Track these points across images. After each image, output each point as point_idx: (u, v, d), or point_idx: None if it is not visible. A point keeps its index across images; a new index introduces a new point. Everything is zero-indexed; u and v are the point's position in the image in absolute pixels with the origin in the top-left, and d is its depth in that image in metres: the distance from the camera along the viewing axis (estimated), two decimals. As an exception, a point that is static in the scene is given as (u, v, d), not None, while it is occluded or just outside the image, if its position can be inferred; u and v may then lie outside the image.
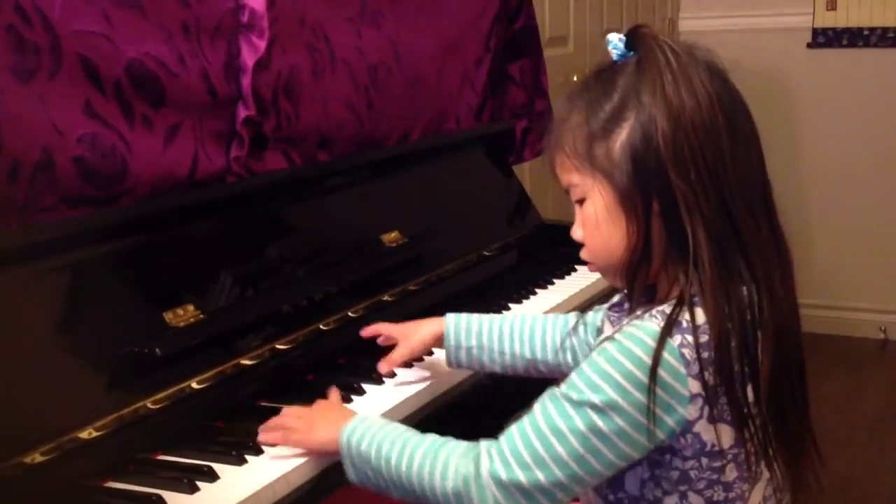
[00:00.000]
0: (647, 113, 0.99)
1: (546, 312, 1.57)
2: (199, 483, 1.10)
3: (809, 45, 3.68)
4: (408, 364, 1.42)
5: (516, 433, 1.01)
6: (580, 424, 0.97)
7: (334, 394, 1.30)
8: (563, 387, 1.00)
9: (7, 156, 1.19)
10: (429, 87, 1.98)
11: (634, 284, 1.05)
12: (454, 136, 2.08)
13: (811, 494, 1.08)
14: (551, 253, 1.99)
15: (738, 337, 0.98)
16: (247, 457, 1.16)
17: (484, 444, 1.04)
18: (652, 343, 0.97)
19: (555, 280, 1.88)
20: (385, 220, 1.73)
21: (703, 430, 0.99)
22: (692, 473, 1.01)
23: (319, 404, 1.24)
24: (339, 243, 1.64)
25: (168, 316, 1.28)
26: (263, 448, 1.18)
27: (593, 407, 0.97)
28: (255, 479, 1.12)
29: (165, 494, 1.07)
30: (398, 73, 1.87)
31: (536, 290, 1.83)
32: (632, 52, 1.04)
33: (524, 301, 1.77)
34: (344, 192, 1.71)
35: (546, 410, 1.00)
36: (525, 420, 1.02)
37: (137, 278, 1.31)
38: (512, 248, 1.99)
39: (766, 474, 1.05)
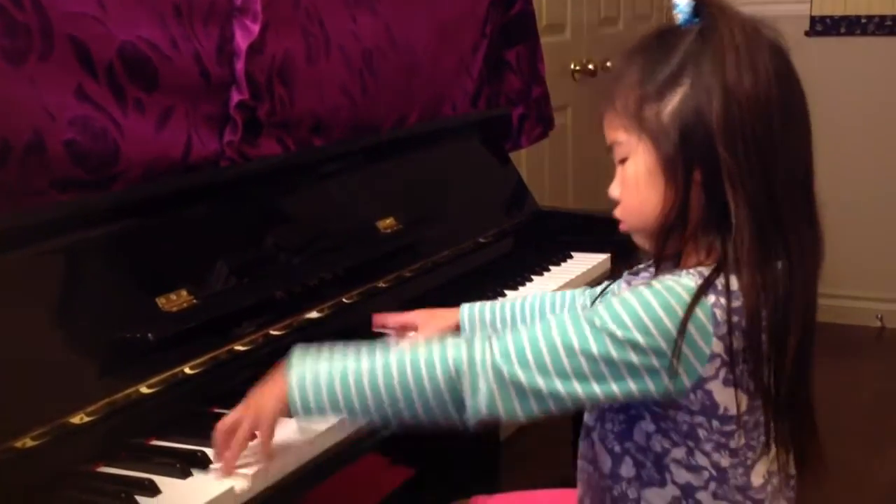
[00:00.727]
0: (703, 83, 0.99)
1: (535, 295, 1.56)
2: (192, 468, 1.09)
3: (807, 33, 3.67)
4: None
5: (525, 336, 1.00)
6: (593, 347, 0.97)
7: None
8: (587, 312, 1.01)
9: (-2, 138, 1.18)
10: (424, 72, 1.97)
11: (665, 249, 1.06)
12: (450, 122, 2.07)
13: (817, 474, 1.09)
14: (547, 240, 1.99)
15: (770, 310, 0.99)
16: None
17: (480, 336, 1.02)
18: (687, 297, 0.97)
19: (551, 266, 1.88)
20: (380, 206, 1.72)
21: (717, 390, 1.00)
22: (700, 432, 1.02)
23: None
24: (334, 229, 1.63)
25: (161, 301, 1.28)
26: (256, 433, 1.17)
27: (612, 336, 0.97)
28: (247, 463, 1.11)
29: (158, 479, 1.06)
30: (393, 58, 1.86)
31: (532, 276, 1.82)
32: (697, 19, 1.03)
33: (520, 287, 1.77)
34: (338, 177, 1.70)
35: (562, 325, 0.99)
36: (537, 327, 1.01)
37: (130, 263, 1.30)
38: (508, 234, 1.98)
39: (773, 450, 1.06)
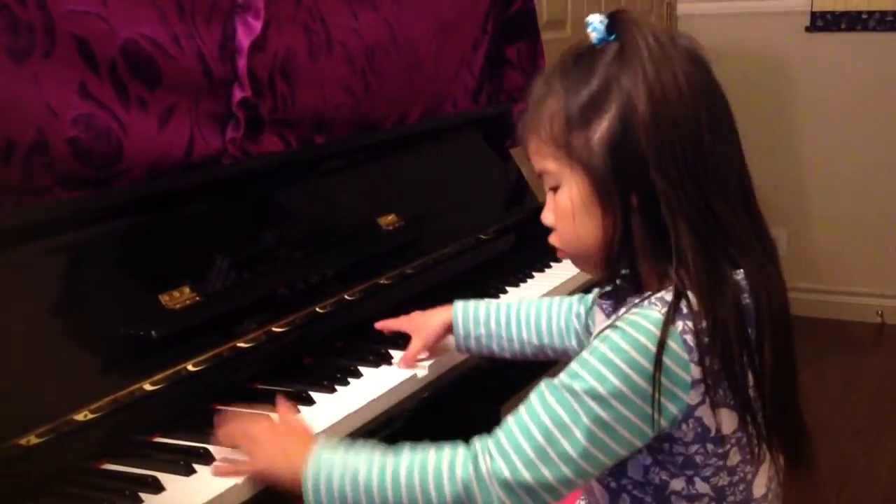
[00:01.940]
0: (628, 105, 0.97)
1: (543, 296, 1.57)
2: (195, 465, 1.10)
3: (808, 29, 3.67)
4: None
5: (516, 429, 0.97)
6: (584, 418, 0.94)
7: (284, 408, 1.17)
8: (564, 377, 0.97)
9: (1, 137, 1.18)
10: (426, 69, 1.97)
11: (615, 275, 1.04)
12: (451, 119, 2.07)
13: (810, 477, 1.07)
14: (548, 236, 1.98)
15: (735, 323, 0.97)
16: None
17: (479, 444, 0.99)
18: (655, 330, 0.95)
19: (551, 263, 1.88)
20: (382, 203, 1.72)
21: (705, 414, 0.98)
22: (697, 459, 1.00)
23: (280, 427, 1.13)
24: (336, 226, 1.63)
25: (164, 298, 1.28)
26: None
27: (597, 397, 0.94)
28: (251, 461, 1.12)
29: (161, 476, 1.07)
30: (395, 56, 1.86)
31: (533, 273, 1.82)
32: (613, 37, 1.00)
33: (521, 284, 1.77)
34: (340, 174, 1.70)
35: (547, 404, 0.96)
36: (524, 413, 0.98)
37: (133, 260, 1.30)
38: (509, 231, 1.98)
39: (769, 456, 1.05)
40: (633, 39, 0.98)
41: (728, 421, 0.99)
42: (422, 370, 1.37)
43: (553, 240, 1.07)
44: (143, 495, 1.04)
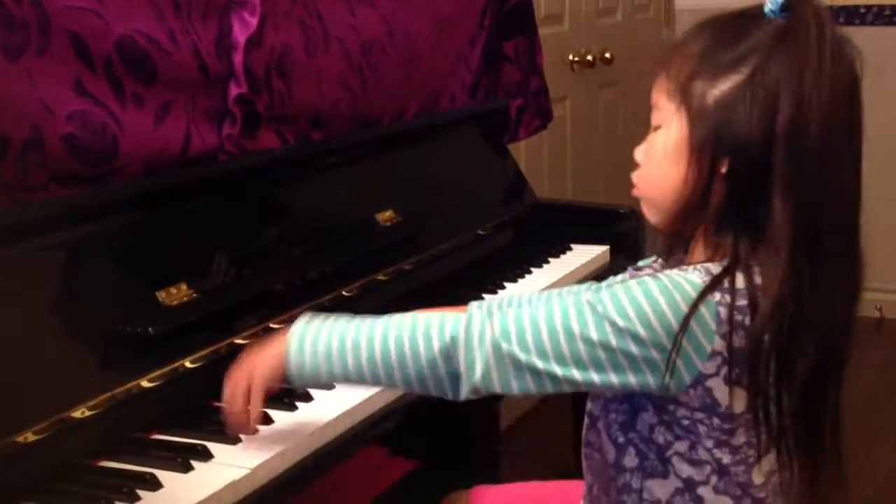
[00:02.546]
0: (767, 81, 0.96)
1: (542, 291, 1.56)
2: (193, 462, 1.10)
3: (806, 24, 3.66)
4: None
5: (526, 317, 1.00)
6: (593, 334, 0.97)
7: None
8: (591, 294, 1.00)
9: (-4, 133, 1.18)
10: (423, 65, 1.96)
11: (679, 231, 1.05)
12: (449, 115, 2.07)
13: (828, 489, 1.06)
14: (547, 232, 1.98)
15: (777, 327, 0.97)
16: (241, 435, 1.15)
17: (475, 307, 1.03)
18: (693, 293, 0.96)
19: (550, 259, 1.88)
20: (379, 199, 1.72)
21: (716, 387, 0.99)
22: (701, 429, 1.01)
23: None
24: (334, 222, 1.63)
25: (161, 295, 1.28)
26: (258, 427, 1.17)
27: (613, 324, 0.96)
28: (249, 457, 1.12)
29: (159, 473, 1.07)
30: (392, 51, 1.86)
31: (532, 268, 1.82)
32: (785, 13, 0.99)
33: (519, 280, 1.77)
34: (338, 170, 1.70)
35: (565, 308, 0.99)
36: (540, 308, 1.00)
37: (129, 257, 1.30)
38: (507, 227, 1.98)
39: (774, 451, 1.05)
40: (805, 25, 0.97)
41: (738, 401, 1.00)
42: None
43: (634, 176, 1.08)
44: (140, 492, 1.04)
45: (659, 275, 0.99)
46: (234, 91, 1.51)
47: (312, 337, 1.06)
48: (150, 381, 1.20)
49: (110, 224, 1.29)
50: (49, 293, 1.19)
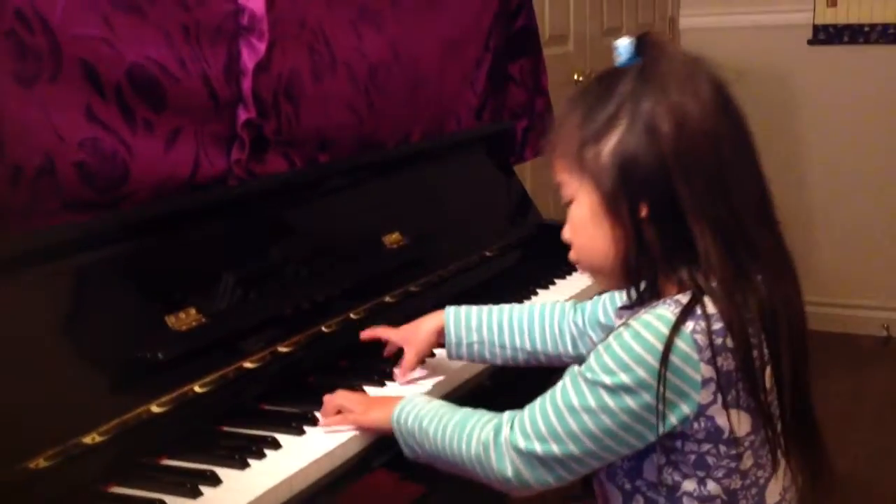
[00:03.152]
0: (646, 118, 1.01)
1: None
2: (202, 487, 1.10)
3: (810, 42, 3.68)
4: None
5: (536, 406, 1.07)
6: (592, 402, 1.01)
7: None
8: (582, 367, 1.04)
9: (9, 161, 1.19)
10: (429, 87, 1.98)
11: (637, 287, 1.07)
12: (454, 137, 2.08)
13: (827, 485, 1.10)
14: (553, 252, 1.98)
15: (757, 325, 1.01)
16: (250, 461, 1.16)
17: (506, 415, 1.10)
18: (665, 329, 0.99)
19: (556, 280, 1.88)
20: (386, 222, 1.73)
21: (717, 414, 1.01)
22: (709, 460, 1.03)
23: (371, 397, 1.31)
24: (341, 245, 1.64)
25: (170, 320, 1.29)
26: (266, 452, 1.18)
27: (605, 387, 1.00)
28: (257, 483, 1.12)
29: (168, 499, 1.07)
30: (398, 74, 1.87)
31: (538, 290, 1.83)
32: (639, 58, 1.05)
33: (525, 301, 1.77)
34: (345, 193, 1.71)
35: (564, 387, 1.05)
36: (546, 395, 1.07)
37: (139, 282, 1.31)
38: (513, 248, 1.99)
39: (783, 466, 1.07)
40: (656, 59, 1.03)
41: (742, 423, 1.02)
42: (423, 388, 1.38)
43: (571, 256, 1.12)
44: (150, 518, 1.05)
45: (631, 322, 1.02)
46: (242, 116, 1.52)
47: (405, 417, 1.18)
48: (159, 405, 1.20)
49: (120, 249, 1.30)
50: (60, 319, 1.19)
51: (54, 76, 1.25)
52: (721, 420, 1.01)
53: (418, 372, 1.41)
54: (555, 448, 1.03)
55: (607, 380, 1.00)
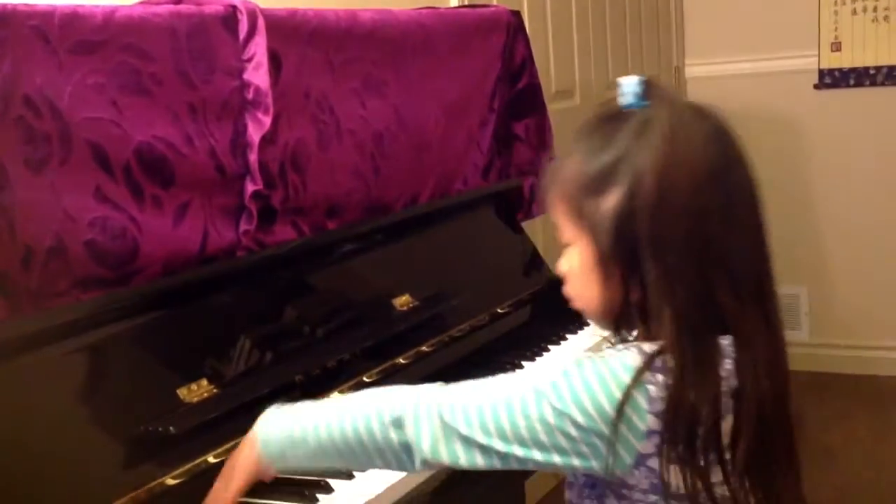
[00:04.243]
0: (636, 185, 0.98)
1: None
2: (215, 559, 1.11)
3: (816, 87, 3.70)
4: None
5: (478, 390, 1.03)
6: (532, 411, 0.98)
7: None
8: (537, 378, 1.02)
9: (20, 243, 1.22)
10: (434, 150, 2.01)
11: (628, 326, 1.06)
12: (461, 197, 2.10)
13: None
14: (564, 308, 1.99)
15: (709, 410, 0.97)
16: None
17: (436, 385, 1.05)
18: (626, 377, 0.96)
19: (567, 335, 1.89)
20: (396, 284, 1.75)
21: (658, 466, 0.98)
22: None
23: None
24: (351, 310, 1.66)
25: (182, 392, 1.30)
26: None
27: (552, 406, 0.98)
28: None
29: (182, 572, 1.08)
30: (403, 139, 1.90)
31: (549, 346, 1.83)
32: (645, 102, 1.01)
33: (537, 358, 1.78)
34: (353, 258, 1.73)
35: (513, 386, 1.02)
36: (492, 382, 1.05)
37: (151, 356, 1.33)
38: (524, 304, 2.00)
39: None
40: (659, 113, 0.99)
41: (666, 478, 0.98)
42: None
43: (564, 289, 1.10)
44: (164, 592, 1.05)
45: (595, 357, 1.00)
46: (249, 188, 1.55)
47: (277, 427, 1.12)
48: (173, 478, 1.22)
49: (132, 325, 1.32)
50: (72, 396, 1.22)
51: (64, 159, 1.28)
52: (665, 474, 0.97)
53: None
54: (481, 438, 1.00)
55: (557, 403, 0.97)
